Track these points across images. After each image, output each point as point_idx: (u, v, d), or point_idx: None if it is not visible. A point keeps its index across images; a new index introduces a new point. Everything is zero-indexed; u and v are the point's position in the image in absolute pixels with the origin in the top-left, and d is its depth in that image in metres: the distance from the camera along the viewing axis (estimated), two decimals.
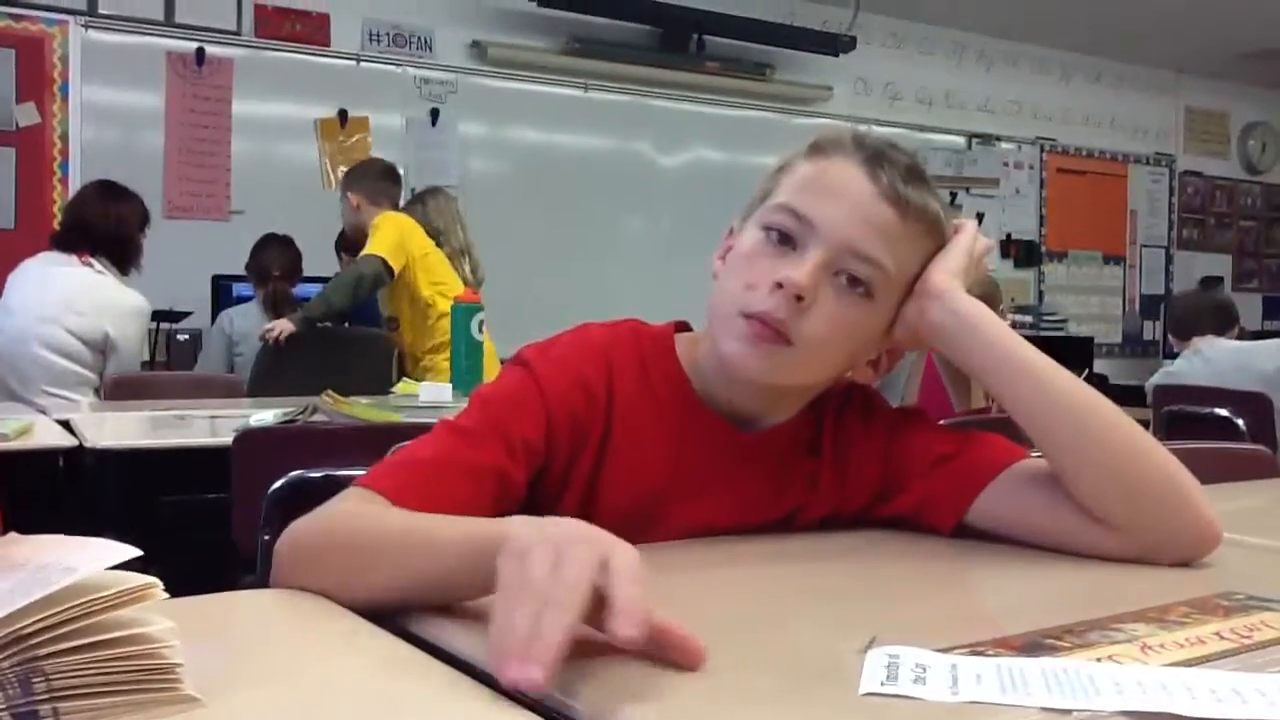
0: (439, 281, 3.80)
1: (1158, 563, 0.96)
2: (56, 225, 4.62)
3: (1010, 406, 1.01)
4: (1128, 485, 0.96)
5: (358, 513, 0.86)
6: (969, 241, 1.04)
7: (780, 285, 0.95)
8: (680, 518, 1.04)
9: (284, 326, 3.59)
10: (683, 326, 1.12)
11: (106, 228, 3.22)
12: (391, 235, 3.69)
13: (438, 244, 3.90)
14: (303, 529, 0.86)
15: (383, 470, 0.93)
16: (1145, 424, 3.50)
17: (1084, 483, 0.97)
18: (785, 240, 0.98)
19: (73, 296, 3.12)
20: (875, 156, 0.99)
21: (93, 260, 3.18)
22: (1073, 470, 0.98)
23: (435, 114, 5.47)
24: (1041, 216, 7.47)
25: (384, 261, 3.63)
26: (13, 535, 0.64)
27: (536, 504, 0.99)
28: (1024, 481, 1.02)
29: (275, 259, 4.19)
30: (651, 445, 1.04)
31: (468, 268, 3.95)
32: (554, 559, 0.63)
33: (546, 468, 1.00)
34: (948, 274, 1.02)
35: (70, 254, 3.19)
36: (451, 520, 0.79)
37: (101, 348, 3.14)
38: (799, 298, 0.95)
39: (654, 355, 1.07)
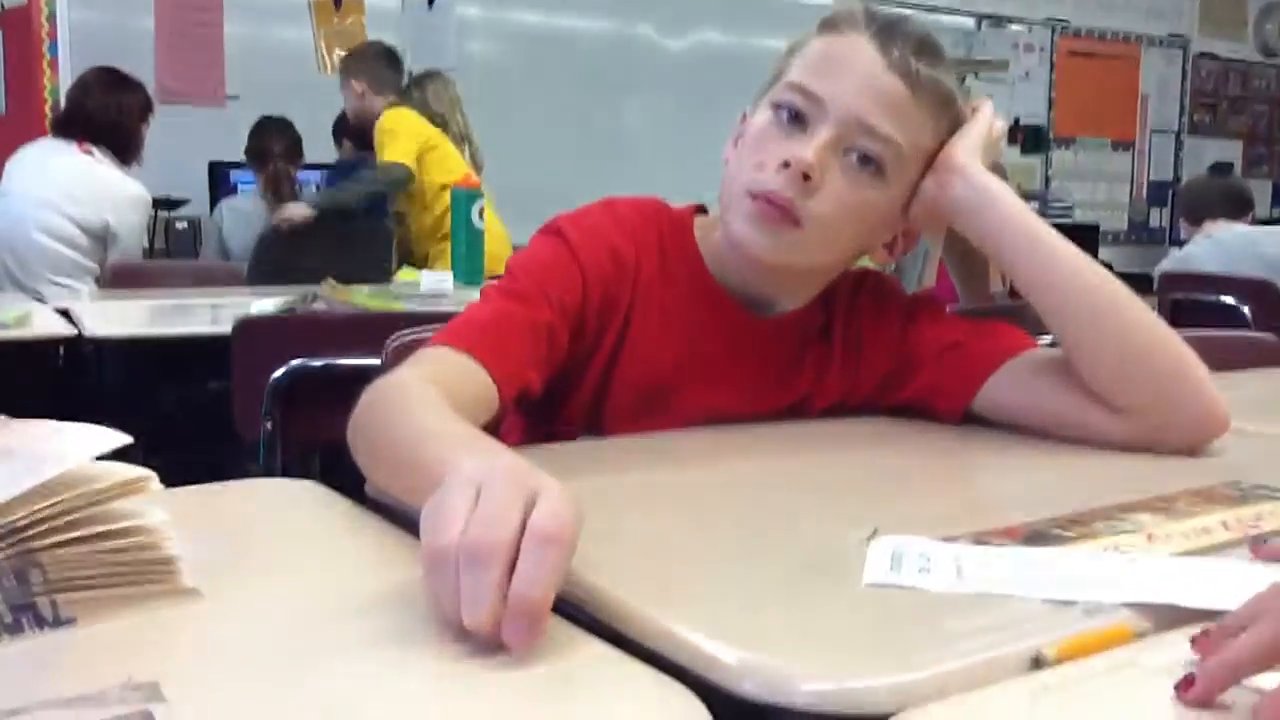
0: (450, 171, 3.75)
1: (1163, 448, 0.95)
2: (47, 109, 4.57)
3: (1025, 284, 1.00)
4: (1137, 367, 0.96)
5: (392, 403, 0.81)
6: (988, 120, 1.03)
7: (787, 164, 0.94)
8: (691, 400, 1.04)
9: (296, 212, 3.56)
10: (701, 210, 1.11)
11: (107, 117, 3.17)
12: (405, 138, 3.65)
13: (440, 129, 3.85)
14: (365, 397, 0.83)
15: (448, 331, 0.92)
16: None
17: (1094, 361, 0.97)
18: (795, 120, 0.96)
19: (71, 184, 3.08)
20: (886, 29, 0.97)
21: (93, 149, 3.15)
22: (1083, 348, 0.97)
23: None
24: (1050, 101, 7.33)
25: (409, 171, 3.61)
26: (2, 419, 0.63)
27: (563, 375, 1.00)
28: (1032, 368, 1.02)
29: (275, 140, 4.13)
30: (667, 325, 1.03)
31: (467, 154, 3.90)
32: (471, 501, 0.55)
33: (576, 336, 1.00)
34: (967, 150, 1.00)
35: (70, 141, 3.15)
36: (443, 438, 0.73)
37: (101, 236, 3.12)
38: (806, 177, 0.94)
39: (673, 236, 1.06)
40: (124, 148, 3.21)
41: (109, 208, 3.11)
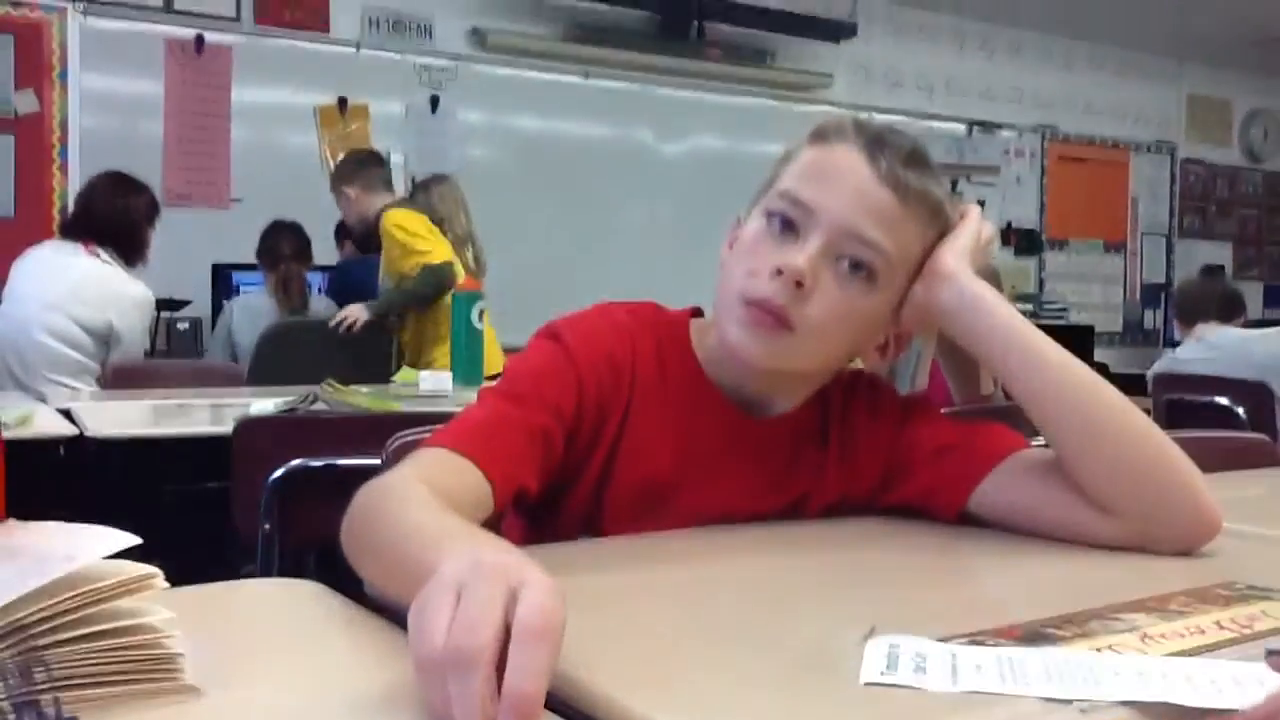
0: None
1: (1157, 551, 0.96)
2: (55, 213, 4.65)
3: (1016, 389, 1.02)
4: (1130, 470, 0.97)
5: (381, 504, 0.82)
6: (976, 225, 1.05)
7: (780, 271, 0.96)
8: (690, 501, 1.05)
9: (357, 314, 3.62)
10: (697, 312, 1.13)
11: (115, 219, 3.22)
12: (428, 234, 3.70)
13: (443, 232, 3.91)
14: (357, 499, 0.84)
15: (444, 432, 0.93)
16: (1145, 413, 3.48)
17: (1086, 466, 0.98)
18: (787, 227, 0.99)
19: (78, 286, 3.12)
20: (875, 141, 1.00)
21: (99, 250, 3.19)
22: (1075, 454, 0.98)
23: (435, 101, 5.45)
24: (1042, 204, 7.46)
25: (452, 269, 3.66)
26: (12, 522, 0.64)
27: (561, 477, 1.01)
28: (1025, 469, 1.03)
29: (286, 242, 4.19)
30: (664, 428, 1.04)
31: (470, 256, 3.95)
32: (453, 604, 0.55)
33: (572, 440, 1.00)
34: (956, 256, 1.02)
35: (77, 243, 3.19)
36: (427, 536, 0.72)
37: (105, 337, 3.15)
38: (799, 284, 0.96)
39: (670, 339, 1.08)
40: (130, 249, 3.25)
41: (114, 309, 3.14)
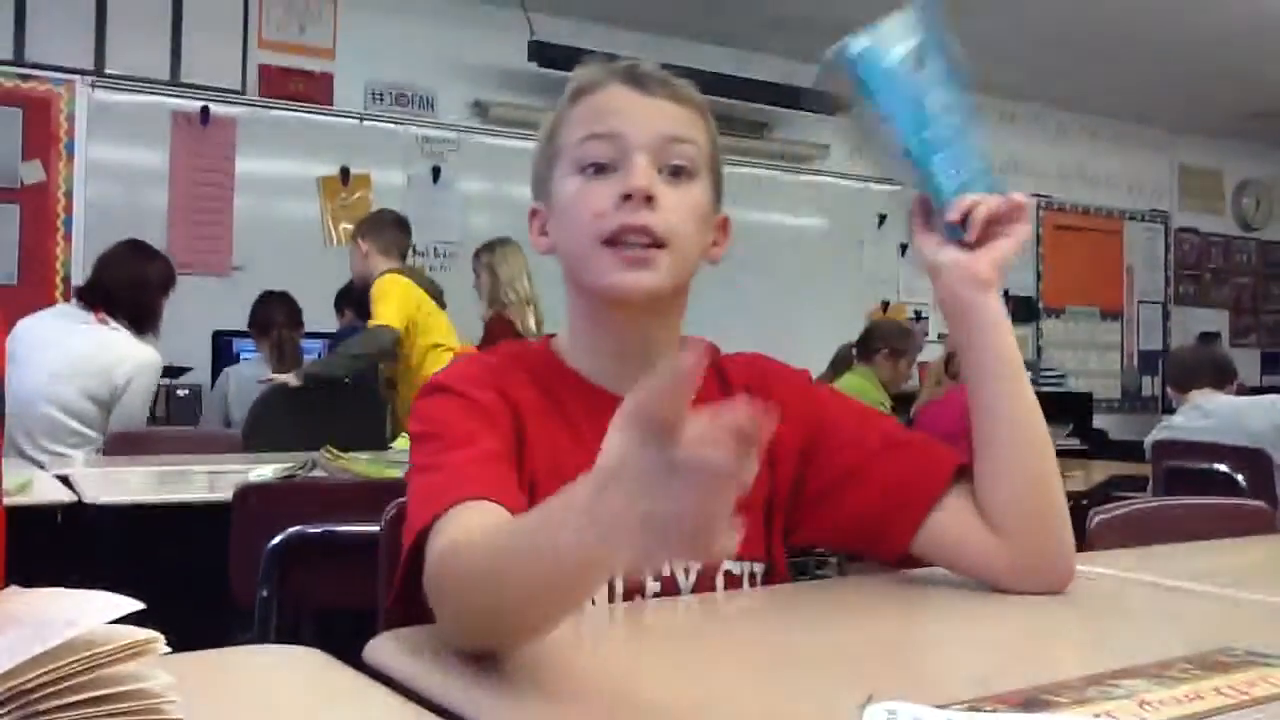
0: (438, 343, 3.83)
1: (1027, 583, 1.01)
2: (58, 280, 4.68)
3: (988, 406, 1.04)
4: (1040, 500, 1.02)
5: (461, 552, 0.81)
6: (1026, 236, 1.06)
7: (627, 196, 1.00)
8: None
9: (285, 379, 3.65)
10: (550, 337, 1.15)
11: (129, 287, 3.22)
12: (397, 303, 3.75)
13: (504, 293, 3.99)
14: (437, 569, 0.83)
15: (424, 503, 0.90)
16: (1145, 480, 3.47)
17: (1004, 488, 1.02)
18: (600, 170, 1.03)
19: (86, 355, 3.11)
20: (628, 70, 1.06)
21: (109, 319, 3.18)
22: (1000, 473, 1.02)
23: (437, 171, 5.52)
24: (1039, 272, 7.51)
25: (395, 335, 3.70)
26: (13, 588, 0.65)
27: None
28: (954, 499, 1.05)
29: (277, 310, 4.23)
30: (573, 446, 1.03)
31: (532, 320, 3.99)
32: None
33: (518, 464, 1.00)
34: (998, 268, 1.04)
35: (88, 311, 3.18)
36: (537, 525, 0.71)
37: (109, 405, 3.13)
38: (649, 199, 0.99)
39: (541, 365, 1.09)
40: (142, 318, 3.25)
41: (121, 372, 3.12)
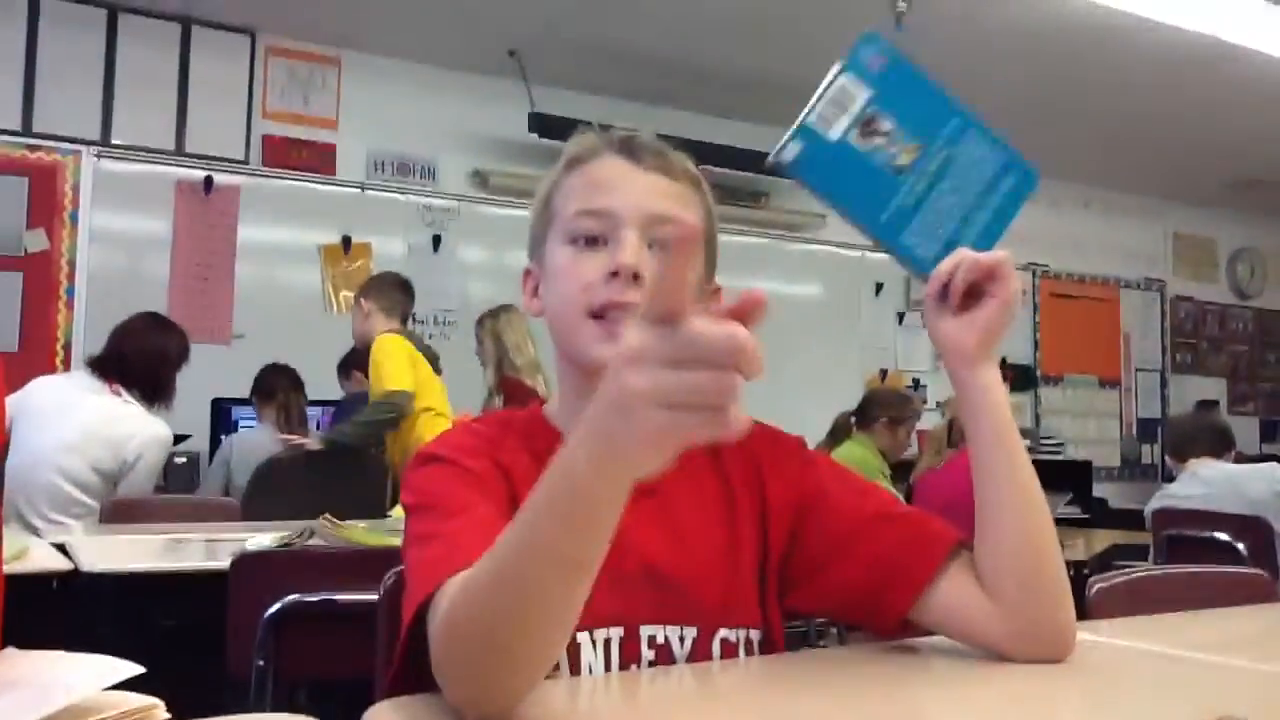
0: (431, 407, 3.84)
1: (1027, 651, 1.01)
2: (59, 348, 4.69)
3: (982, 467, 1.04)
4: (1039, 566, 1.01)
5: (459, 598, 0.81)
6: (1011, 300, 1.05)
7: (615, 273, 1.01)
8: (616, 567, 1.02)
9: (307, 442, 3.71)
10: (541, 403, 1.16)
11: (146, 362, 3.23)
12: (402, 364, 3.76)
13: (508, 359, 4.01)
14: (442, 624, 0.82)
15: (420, 577, 0.89)
16: (1145, 548, 3.45)
17: (1004, 553, 1.02)
18: (590, 243, 1.05)
19: (97, 427, 3.10)
20: (624, 142, 1.08)
21: (122, 390, 3.18)
22: (999, 538, 1.02)
23: (437, 240, 5.56)
24: (1036, 341, 7.54)
25: (409, 396, 3.73)
26: (11, 650, 0.65)
27: None
28: (956, 568, 1.05)
29: (280, 377, 4.25)
30: None
31: (541, 383, 4.01)
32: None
33: None
34: (984, 340, 1.05)
35: (101, 381, 3.18)
36: (530, 508, 0.74)
37: (114, 478, 3.11)
38: (636, 276, 1.01)
39: (532, 432, 1.10)
40: (156, 391, 3.25)
41: (132, 447, 3.11)
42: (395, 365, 3.75)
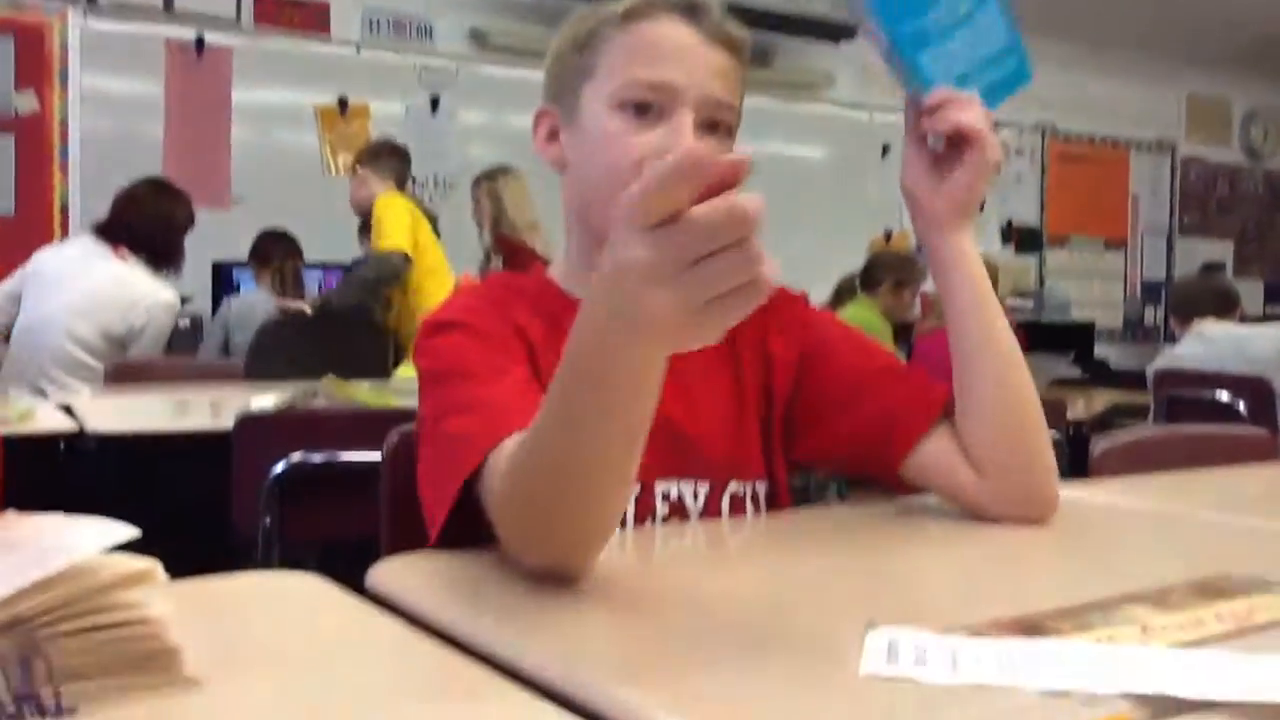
0: (433, 267, 3.83)
1: (1010, 515, 1.01)
2: (56, 212, 4.65)
3: (963, 339, 1.03)
4: (1017, 440, 1.01)
5: (506, 466, 0.80)
6: (985, 170, 1.03)
7: None
8: None
9: (294, 306, 3.72)
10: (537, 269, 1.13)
11: (154, 226, 3.24)
12: (401, 223, 3.73)
13: (507, 219, 3.98)
14: (499, 484, 0.81)
15: (468, 443, 0.87)
16: (1146, 408, 3.47)
17: (982, 429, 1.01)
18: (641, 111, 0.99)
19: (105, 292, 3.13)
20: (690, 7, 1.02)
21: (128, 255, 3.20)
22: (976, 414, 1.02)
23: (435, 102, 5.45)
24: (1042, 203, 7.46)
25: (406, 256, 3.70)
26: (10, 514, 0.64)
27: None
28: (943, 429, 1.05)
29: (276, 244, 4.22)
30: None
31: (540, 243, 3.98)
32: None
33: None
34: (958, 208, 1.02)
35: (106, 246, 3.19)
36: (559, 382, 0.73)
37: (122, 342, 3.16)
38: None
39: (539, 295, 1.08)
40: (163, 257, 3.27)
41: (139, 312, 3.15)
42: (395, 223, 3.72)
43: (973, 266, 1.03)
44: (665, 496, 1.03)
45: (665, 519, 1.03)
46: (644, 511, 1.02)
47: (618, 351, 0.67)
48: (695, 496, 1.05)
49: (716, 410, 1.08)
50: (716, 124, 1.01)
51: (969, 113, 1.00)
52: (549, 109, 1.07)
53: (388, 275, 3.70)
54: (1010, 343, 1.03)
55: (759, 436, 1.10)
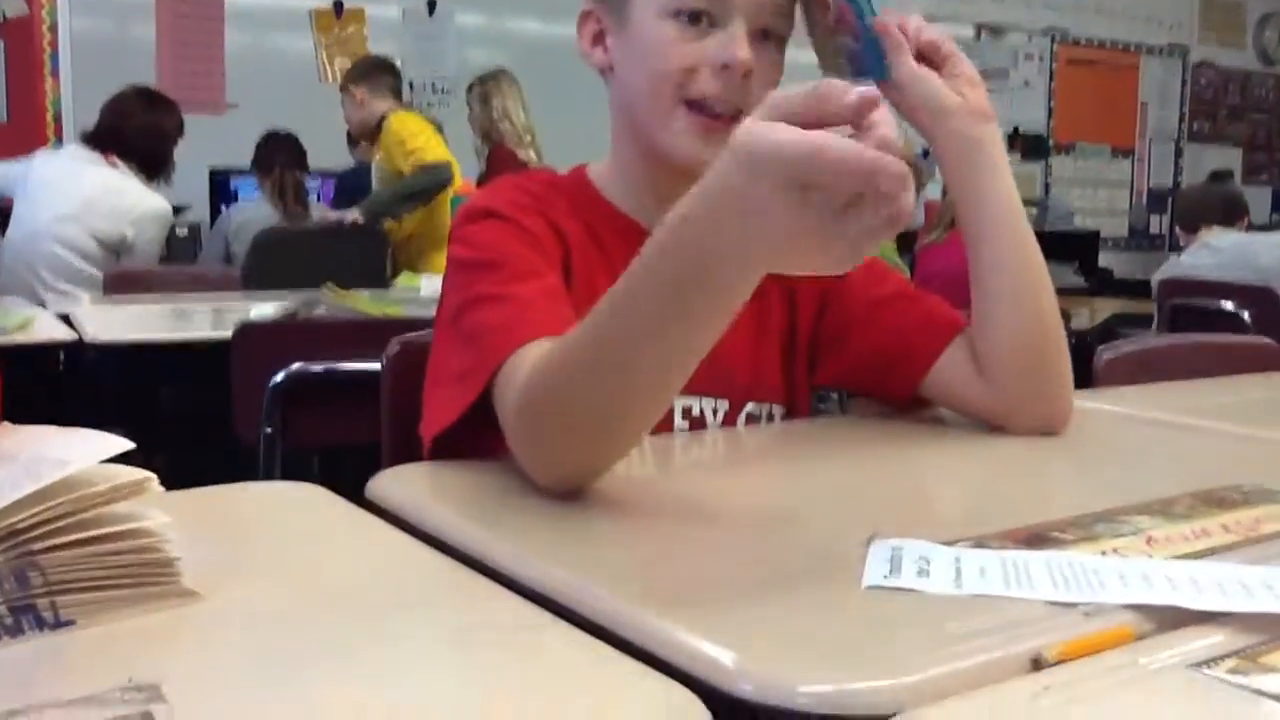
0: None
1: (1025, 427, 1.00)
2: (49, 118, 4.59)
3: (984, 246, 1.01)
4: (1038, 353, 1.00)
5: (545, 374, 0.78)
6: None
7: (726, 66, 0.93)
8: None
9: (353, 216, 3.66)
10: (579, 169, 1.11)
11: (140, 135, 3.23)
12: (434, 136, 3.72)
13: (500, 124, 3.95)
14: (529, 407, 0.79)
15: (496, 333, 0.85)
16: (1150, 317, 3.46)
17: (1003, 343, 0.99)
18: (694, 19, 0.95)
19: (96, 197, 3.12)
20: None
21: (119, 161, 3.18)
22: (999, 328, 1.00)
23: (432, 4, 5.34)
24: (1050, 109, 7.35)
25: (449, 167, 3.69)
26: (6, 425, 0.64)
27: None
28: (958, 345, 1.05)
29: (279, 151, 4.16)
30: (604, 280, 0.99)
31: (531, 151, 3.94)
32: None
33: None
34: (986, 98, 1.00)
35: (96, 153, 3.18)
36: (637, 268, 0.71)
37: (116, 249, 3.16)
38: (746, 74, 0.94)
39: (579, 196, 1.05)
40: (155, 165, 3.26)
41: (130, 221, 3.15)
42: (427, 137, 3.70)
43: (1005, 172, 1.01)
44: (686, 412, 1.03)
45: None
46: (663, 428, 1.02)
47: (736, 268, 0.66)
48: (715, 414, 1.05)
49: (739, 329, 1.06)
50: (769, 34, 0.97)
51: (927, 29, 0.98)
52: (592, 8, 1.03)
53: (436, 185, 3.68)
54: (1038, 252, 1.01)
55: (780, 360, 1.10)
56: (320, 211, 4.02)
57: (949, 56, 0.99)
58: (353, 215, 3.69)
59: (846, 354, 1.10)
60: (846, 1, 0.98)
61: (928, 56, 0.98)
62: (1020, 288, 1.00)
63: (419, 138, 3.68)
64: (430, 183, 3.68)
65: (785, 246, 0.63)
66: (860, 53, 0.99)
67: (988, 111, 1.00)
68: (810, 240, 0.61)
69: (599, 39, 1.02)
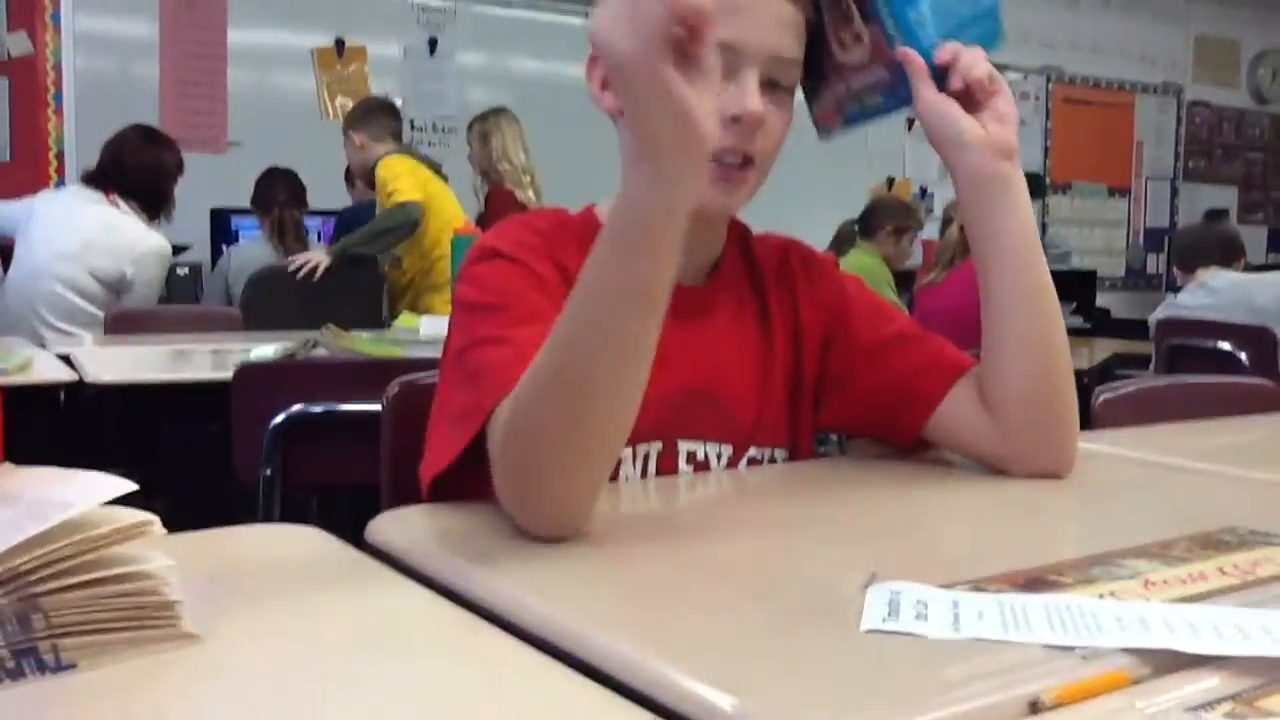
0: (451, 219, 3.81)
1: (1028, 469, 1.01)
2: (51, 156, 4.62)
3: (999, 283, 1.01)
4: (1046, 394, 1.00)
5: (515, 399, 0.79)
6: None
7: (737, 119, 0.94)
8: (665, 383, 0.94)
9: (318, 259, 3.61)
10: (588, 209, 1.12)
11: (144, 173, 3.25)
12: (412, 179, 3.71)
13: (498, 163, 3.97)
14: (508, 440, 0.79)
15: (495, 376, 0.85)
16: (1147, 358, 3.46)
17: (1011, 383, 1.00)
18: None
19: (95, 236, 3.13)
20: None
21: (119, 200, 3.20)
22: (1008, 368, 1.00)
23: (434, 43, 5.39)
24: (1046, 147, 7.39)
25: (422, 209, 3.68)
26: (8, 466, 0.64)
27: None
28: (964, 387, 1.05)
29: (280, 189, 4.17)
30: None
31: (530, 191, 3.95)
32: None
33: None
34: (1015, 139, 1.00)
35: (98, 192, 3.20)
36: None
37: (116, 287, 3.17)
38: (756, 125, 0.95)
39: (590, 237, 1.04)
40: (154, 203, 3.28)
41: (130, 260, 3.16)
42: (403, 182, 3.70)
43: (1023, 210, 1.01)
44: (690, 457, 1.04)
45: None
46: (667, 470, 1.02)
47: (662, 215, 0.74)
48: (719, 459, 1.05)
49: (746, 374, 1.08)
50: (778, 85, 0.98)
51: (980, 66, 0.98)
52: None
53: (404, 224, 3.67)
54: (1050, 290, 1.01)
55: (785, 403, 1.10)
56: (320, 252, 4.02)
57: (993, 95, 0.99)
58: (318, 257, 3.66)
59: (851, 397, 1.10)
60: (882, 29, 0.98)
61: (973, 93, 0.99)
62: (1030, 334, 1.00)
63: (399, 180, 3.70)
64: (397, 220, 3.66)
65: (671, 150, 0.73)
66: (890, 81, 1.00)
67: (1010, 148, 0.99)
68: (675, 121, 0.71)
69: (609, 82, 1.03)
